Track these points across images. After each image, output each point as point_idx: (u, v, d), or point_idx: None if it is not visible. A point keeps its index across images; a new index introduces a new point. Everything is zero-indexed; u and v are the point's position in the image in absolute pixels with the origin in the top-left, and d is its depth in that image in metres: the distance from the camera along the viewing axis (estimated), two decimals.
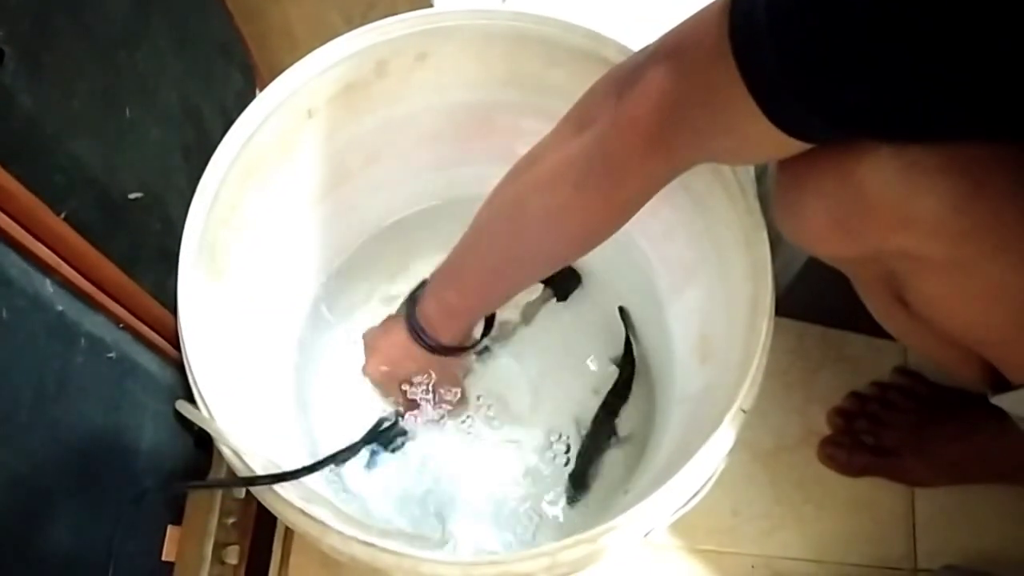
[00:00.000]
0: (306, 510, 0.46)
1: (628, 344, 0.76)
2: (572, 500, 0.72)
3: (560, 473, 0.73)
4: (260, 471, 0.47)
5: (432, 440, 0.73)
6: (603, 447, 0.74)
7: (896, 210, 0.42)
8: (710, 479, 0.51)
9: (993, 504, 0.79)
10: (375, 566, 0.46)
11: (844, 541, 0.80)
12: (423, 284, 0.67)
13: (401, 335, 0.67)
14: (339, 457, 0.65)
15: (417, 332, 0.66)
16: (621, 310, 0.78)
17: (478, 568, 0.46)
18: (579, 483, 0.72)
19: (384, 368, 0.71)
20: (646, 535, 0.50)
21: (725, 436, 0.49)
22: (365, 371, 0.72)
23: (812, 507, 0.81)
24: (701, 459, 0.48)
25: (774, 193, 0.49)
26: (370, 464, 0.71)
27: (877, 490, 0.81)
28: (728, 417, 0.49)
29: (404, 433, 0.72)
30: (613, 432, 0.74)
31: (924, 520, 0.80)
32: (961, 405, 0.79)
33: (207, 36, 0.63)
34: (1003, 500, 0.79)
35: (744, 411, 0.50)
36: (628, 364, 0.76)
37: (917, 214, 0.42)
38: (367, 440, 0.69)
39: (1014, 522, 0.79)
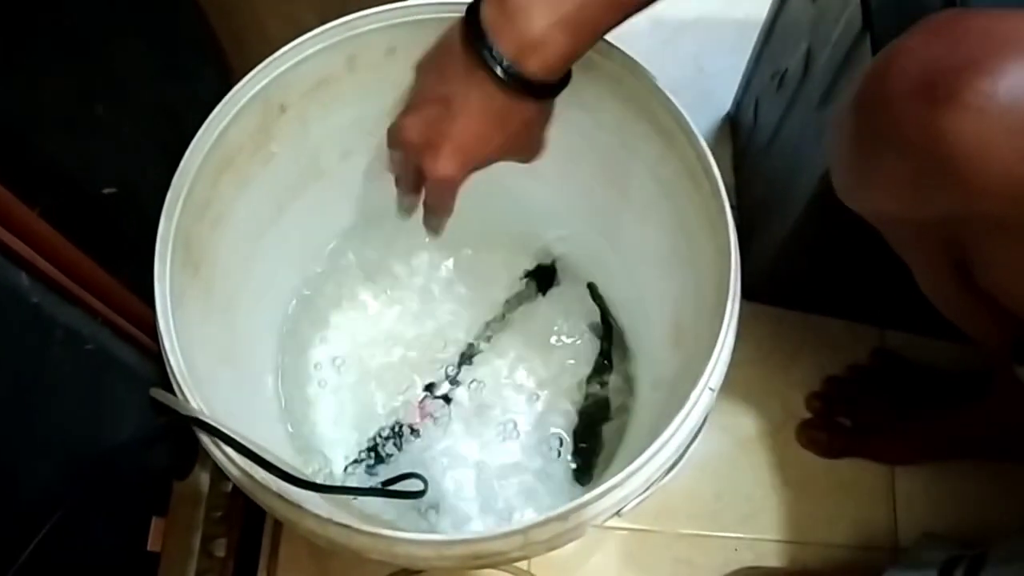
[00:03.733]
0: (283, 494, 0.47)
1: (603, 316, 0.78)
2: (581, 479, 0.73)
3: (561, 458, 0.74)
4: (238, 458, 0.48)
5: (427, 438, 0.74)
6: (599, 421, 0.75)
7: (985, 170, 0.39)
8: (682, 456, 0.52)
9: (973, 481, 0.81)
10: (351, 547, 0.47)
11: (826, 522, 0.81)
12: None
13: (461, 63, 0.48)
14: (355, 492, 0.60)
15: (492, 55, 0.46)
16: (590, 287, 0.79)
17: (451, 547, 0.47)
18: (584, 461, 0.73)
19: (429, 126, 0.50)
20: (619, 512, 0.51)
21: (693, 413, 0.50)
22: (396, 133, 0.53)
23: (793, 489, 0.82)
24: (669, 435, 0.49)
25: (840, 149, 0.46)
26: (371, 472, 0.72)
27: (857, 471, 0.82)
28: (695, 394, 0.50)
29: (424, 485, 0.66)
30: (606, 404, 0.76)
31: (904, 499, 0.81)
32: (937, 385, 0.80)
33: (181, 34, 0.64)
34: (982, 477, 0.80)
35: (712, 389, 0.51)
36: (606, 335, 0.78)
37: (1007, 176, 0.38)
38: (386, 492, 0.64)
39: (993, 498, 0.80)
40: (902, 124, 0.41)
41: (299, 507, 0.47)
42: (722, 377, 0.52)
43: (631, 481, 0.49)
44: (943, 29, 0.42)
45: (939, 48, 0.41)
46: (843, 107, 0.45)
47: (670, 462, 0.51)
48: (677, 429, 0.49)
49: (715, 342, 0.52)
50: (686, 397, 0.52)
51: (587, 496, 0.47)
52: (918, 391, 0.80)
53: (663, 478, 0.51)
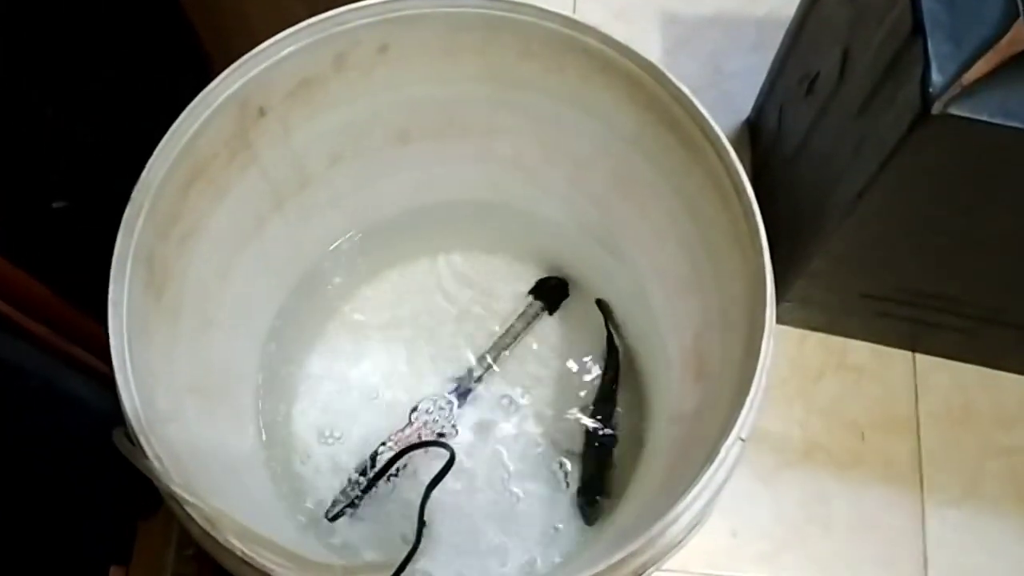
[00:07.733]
0: (249, 560, 0.41)
1: (610, 337, 0.72)
2: (589, 517, 0.67)
3: (567, 491, 0.68)
4: (201, 520, 0.42)
5: (420, 472, 0.67)
6: (606, 451, 0.69)
7: None
8: (707, 512, 0.46)
9: (1006, 524, 0.75)
10: None
11: (850, 563, 0.75)
12: None
13: None
14: None
15: None
16: (599, 303, 0.73)
17: None
18: (589, 496, 0.67)
19: None
20: None
21: (723, 467, 0.44)
22: None
23: (816, 527, 0.76)
24: (696, 493, 0.43)
25: None
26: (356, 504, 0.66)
27: (884, 509, 0.76)
28: (725, 446, 0.44)
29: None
30: (612, 432, 0.70)
31: (936, 540, 0.76)
32: None
33: (153, 24, 0.58)
34: (1017, 520, 0.75)
35: (743, 439, 0.45)
36: (612, 357, 0.71)
37: None
38: None
39: None
40: None
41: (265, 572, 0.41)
42: (753, 425, 0.46)
43: (652, 546, 0.43)
44: None
45: None
46: None
47: (696, 520, 0.45)
48: (704, 487, 0.43)
49: (746, 385, 0.46)
50: (710, 437, 0.46)
51: (602, 566, 0.41)
52: None
53: (687, 539, 0.45)
